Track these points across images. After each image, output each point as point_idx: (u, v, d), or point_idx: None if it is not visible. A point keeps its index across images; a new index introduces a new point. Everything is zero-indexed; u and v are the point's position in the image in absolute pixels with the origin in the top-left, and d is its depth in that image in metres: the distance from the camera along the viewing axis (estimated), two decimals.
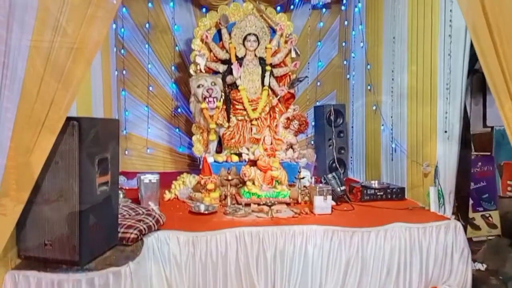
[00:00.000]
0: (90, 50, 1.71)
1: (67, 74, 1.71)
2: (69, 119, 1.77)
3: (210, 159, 3.78)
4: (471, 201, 3.41)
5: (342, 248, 2.58)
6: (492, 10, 1.85)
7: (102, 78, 3.69)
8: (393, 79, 3.77)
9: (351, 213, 3.03)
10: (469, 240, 2.93)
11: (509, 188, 3.84)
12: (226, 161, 3.86)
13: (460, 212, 3.00)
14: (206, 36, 4.06)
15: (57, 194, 1.82)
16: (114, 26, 4.40)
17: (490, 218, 3.59)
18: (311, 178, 3.70)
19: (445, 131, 2.98)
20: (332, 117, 4.35)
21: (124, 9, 4.58)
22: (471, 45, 2.21)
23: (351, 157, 4.68)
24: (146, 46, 4.74)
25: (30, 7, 1.62)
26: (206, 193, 3.24)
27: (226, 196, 3.27)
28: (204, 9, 4.66)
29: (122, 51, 4.67)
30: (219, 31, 4.17)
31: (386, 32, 3.89)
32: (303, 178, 3.41)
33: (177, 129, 4.90)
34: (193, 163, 4.85)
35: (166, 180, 3.59)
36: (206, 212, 2.96)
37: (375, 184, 3.56)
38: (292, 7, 4.90)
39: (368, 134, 4.34)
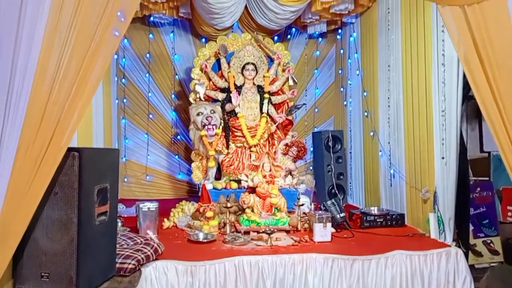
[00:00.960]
0: (92, 82, 1.76)
1: (69, 106, 1.74)
2: (69, 149, 1.79)
3: (209, 186, 3.77)
4: (471, 227, 3.38)
5: (343, 276, 2.54)
6: (482, 41, 1.91)
7: (103, 107, 3.75)
8: (389, 105, 3.83)
9: (351, 240, 3.01)
10: (471, 267, 2.89)
11: (509, 214, 3.82)
12: (225, 188, 3.85)
13: (461, 238, 2.98)
14: (206, 66, 4.15)
15: (56, 225, 1.81)
16: (115, 56, 4.51)
17: (491, 244, 3.54)
18: (311, 204, 3.68)
19: (442, 157, 3.00)
20: (330, 143, 4.38)
21: (125, 40, 4.70)
22: (464, 73, 2.27)
23: (350, 183, 4.68)
24: (147, 75, 4.84)
25: (35, 41, 1.67)
26: (205, 221, 3.22)
27: (225, 224, 3.24)
28: (203, 40, 4.80)
29: (123, 80, 4.76)
30: (218, 61, 4.27)
31: (381, 61, 3.98)
32: (302, 204, 3.40)
33: (177, 156, 4.93)
34: (192, 190, 4.85)
35: (165, 207, 3.57)
36: (205, 240, 2.94)
37: (374, 210, 3.54)
38: (289, 36, 5.05)
39: (366, 160, 4.36)
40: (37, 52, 1.65)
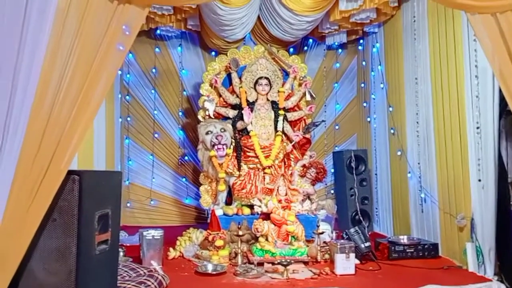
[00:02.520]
0: (95, 101, 1.82)
1: (70, 126, 1.79)
2: (69, 172, 1.84)
3: (219, 212, 3.78)
4: None
5: None
6: None
7: (105, 126, 3.84)
8: (418, 122, 3.81)
9: (377, 274, 2.96)
10: None
11: None
12: (237, 214, 3.84)
13: (504, 272, 2.89)
14: (216, 81, 4.21)
15: (53, 255, 1.84)
16: (119, 72, 4.63)
17: None
18: (332, 232, 3.64)
19: (479, 180, 2.96)
20: (353, 164, 4.36)
21: (130, 54, 4.83)
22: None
23: (376, 208, 4.62)
24: (152, 91, 4.94)
25: (37, 57, 1.75)
26: (214, 250, 3.22)
27: (236, 254, 3.23)
28: (213, 53, 4.89)
29: (127, 97, 4.87)
30: (229, 75, 4.34)
31: (407, 73, 3.99)
32: (322, 233, 3.37)
33: (184, 179, 4.96)
34: (201, 216, 4.85)
35: (171, 235, 3.58)
36: (214, 272, 2.93)
37: (404, 239, 3.48)
38: (305, 48, 5.11)
39: (394, 183, 4.31)
40: (38, 68, 1.73)
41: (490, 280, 2.74)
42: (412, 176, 3.91)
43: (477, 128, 2.98)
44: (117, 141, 4.47)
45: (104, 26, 1.86)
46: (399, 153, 4.13)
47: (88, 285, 1.91)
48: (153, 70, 4.94)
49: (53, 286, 1.84)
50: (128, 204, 4.80)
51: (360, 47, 5.08)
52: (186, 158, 4.99)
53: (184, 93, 5.00)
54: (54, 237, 1.84)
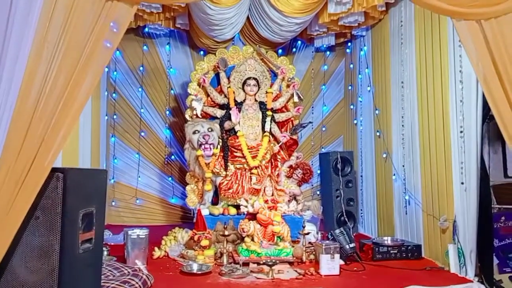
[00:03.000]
0: (81, 98, 1.80)
1: (55, 122, 1.77)
2: (53, 170, 1.81)
3: (205, 212, 3.77)
4: (496, 261, 3.34)
5: None
6: (501, 58, 1.96)
7: (91, 123, 3.79)
8: (403, 125, 3.85)
9: (361, 274, 2.98)
10: None
11: None
12: (223, 214, 3.84)
13: (484, 273, 2.94)
14: (204, 80, 4.20)
15: (36, 253, 1.81)
16: (106, 69, 4.59)
17: None
18: (317, 233, 3.66)
19: (462, 183, 3.01)
20: (339, 165, 4.38)
21: (117, 52, 4.79)
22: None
23: (361, 210, 4.66)
24: (140, 89, 4.90)
25: (22, 52, 1.72)
26: (199, 250, 3.20)
27: (222, 254, 3.22)
28: (201, 52, 4.88)
29: (114, 94, 4.83)
30: (217, 75, 4.33)
31: (393, 76, 4.03)
32: (308, 233, 3.38)
33: (170, 178, 4.93)
34: (186, 215, 4.83)
35: (156, 235, 3.56)
36: (199, 272, 2.92)
37: (388, 241, 3.52)
38: (294, 50, 5.14)
39: (379, 185, 4.35)
40: (23, 64, 1.70)
41: (471, 281, 2.79)
42: (396, 178, 3.95)
43: (461, 132, 3.03)
44: (102, 139, 4.41)
45: (91, 22, 1.83)
46: (384, 155, 4.17)
47: (71, 284, 1.88)
48: (141, 68, 4.90)
49: (34, 284, 1.81)
50: (113, 203, 4.76)
51: (348, 50, 5.12)
52: (172, 157, 4.96)
53: (172, 92, 4.98)
54: (36, 235, 1.81)
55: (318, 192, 5.02)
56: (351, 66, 5.04)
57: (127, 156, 4.87)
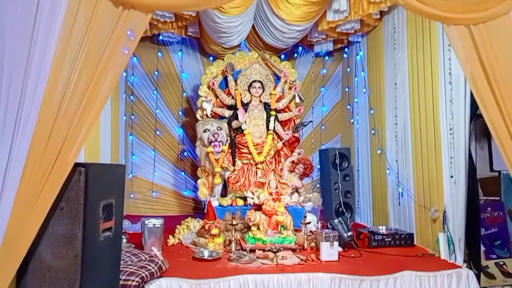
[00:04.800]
0: (101, 99, 1.78)
1: (77, 122, 1.76)
2: (76, 165, 1.80)
3: (215, 203, 3.77)
4: (483, 248, 3.31)
5: None
6: (488, 60, 1.92)
7: (111, 123, 3.80)
8: (396, 123, 3.82)
9: (358, 260, 2.96)
10: None
11: None
12: (231, 205, 3.84)
13: (472, 260, 2.91)
14: (213, 83, 4.19)
15: (60, 240, 1.81)
16: (124, 74, 4.59)
17: (504, 266, 3.45)
18: (317, 222, 3.65)
19: (451, 176, 2.97)
20: (337, 161, 4.36)
21: (134, 58, 4.80)
22: (472, 92, 2.27)
23: (358, 201, 4.63)
24: (155, 92, 4.90)
25: (46, 59, 1.71)
26: (210, 238, 3.20)
27: (230, 242, 3.22)
28: (211, 58, 4.87)
29: (132, 97, 4.83)
30: (225, 78, 4.32)
31: (387, 79, 4.00)
32: (309, 223, 3.37)
33: (183, 173, 4.94)
34: (198, 206, 4.83)
35: (170, 224, 3.56)
36: (210, 258, 2.91)
37: (382, 229, 3.49)
38: (295, 55, 5.10)
39: (374, 178, 4.33)
40: (47, 69, 1.69)
41: (460, 267, 2.76)
42: (390, 172, 3.93)
43: (450, 129, 2.99)
44: (121, 137, 4.43)
45: (109, 30, 1.82)
46: (379, 151, 4.15)
47: (93, 269, 1.88)
48: (156, 73, 4.90)
49: (60, 269, 1.81)
50: (132, 195, 4.78)
51: (345, 55, 5.08)
52: (185, 153, 4.97)
53: (184, 94, 4.98)
54: (61, 224, 1.81)
55: (318, 185, 5.00)
56: (348, 69, 5.01)
57: (144, 152, 4.87)
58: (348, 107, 5.01)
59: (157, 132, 4.91)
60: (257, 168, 4.02)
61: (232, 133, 4.10)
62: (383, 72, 4.09)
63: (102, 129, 3.42)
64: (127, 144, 4.74)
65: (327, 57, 5.20)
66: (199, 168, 4.24)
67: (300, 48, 5.04)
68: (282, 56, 4.83)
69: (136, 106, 4.85)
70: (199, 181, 4.22)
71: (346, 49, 5.01)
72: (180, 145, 4.96)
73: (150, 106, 4.90)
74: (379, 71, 4.17)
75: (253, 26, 4.35)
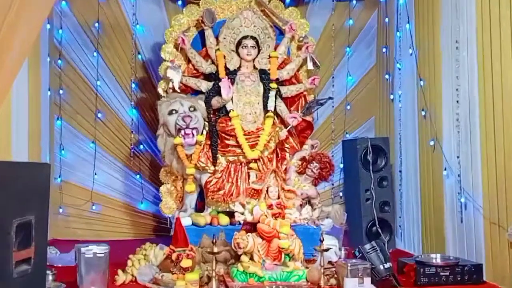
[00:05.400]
0: (10, 64, 1.76)
1: None
2: None
3: (187, 221, 3.77)
4: None
5: None
6: None
7: (28, 101, 3.77)
8: (458, 101, 3.83)
9: None
10: None
11: None
12: (211, 224, 3.86)
13: None
14: (183, 40, 4.17)
15: None
16: (48, 26, 4.53)
17: None
18: (340, 250, 3.66)
19: None
20: (369, 157, 4.38)
21: (63, 2, 4.74)
22: None
23: (400, 217, 4.66)
24: (95, 54, 4.87)
25: None
26: (179, 273, 3.20)
27: (210, 279, 3.22)
28: (179, 2, 4.84)
29: (60, 61, 4.80)
30: (201, 33, 4.30)
31: (445, 34, 4.00)
32: (327, 250, 3.38)
33: (138, 176, 4.94)
34: (161, 226, 4.83)
35: (120, 253, 3.55)
36: None
37: (437, 259, 3.52)
38: None
39: (424, 183, 4.34)
40: None
41: None
42: (448, 174, 3.94)
43: None
44: (44, 123, 4.40)
45: None
46: (432, 143, 4.16)
47: None
48: (96, 25, 4.87)
49: None
50: (61, 210, 4.78)
51: None
52: (141, 147, 4.97)
53: (139, 57, 4.96)
54: None
55: (340, 194, 5.03)
56: (386, 20, 5.00)
57: (79, 146, 4.86)
58: (386, 77, 5.01)
59: (99, 115, 4.89)
60: (249, 168, 4.03)
61: (212, 115, 4.10)
62: (438, 23, 4.08)
63: (14, 111, 3.39)
64: (53, 133, 4.73)
65: (355, 2, 5.19)
66: (162, 169, 4.25)
67: None
68: (288, 0, 4.80)
69: (66, 75, 4.82)
70: (162, 189, 4.22)
71: None
72: (133, 135, 4.96)
73: (88, 75, 4.88)
74: (433, 21, 4.17)
75: None
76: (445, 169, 3.97)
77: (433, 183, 4.18)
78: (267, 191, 3.52)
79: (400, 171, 4.70)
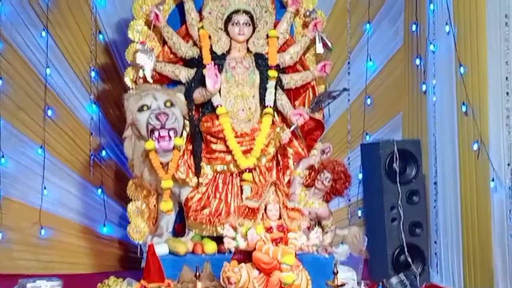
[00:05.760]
0: None
1: None
2: None
3: (162, 249, 3.78)
4: None
5: None
6: None
7: None
8: (508, 93, 3.85)
9: None
10: None
11: None
12: (193, 252, 3.87)
13: None
14: (156, 16, 4.14)
15: None
16: None
17: None
18: (359, 284, 3.65)
19: None
20: (396, 166, 4.39)
21: None
22: None
23: (436, 242, 4.67)
24: (43, 34, 4.86)
25: None
26: None
27: None
28: None
29: None
30: (180, 7, 4.30)
31: (491, 7, 4.01)
32: (343, 285, 3.37)
33: (100, 191, 4.94)
34: (129, 256, 4.84)
35: None
36: None
37: None
38: None
39: (466, 198, 4.34)
40: None
41: None
42: (497, 186, 3.95)
43: None
44: None
45: None
46: (475, 146, 4.16)
47: None
48: None
49: None
50: (0, 235, 4.74)
51: None
52: (103, 153, 4.97)
53: (100, 37, 4.98)
54: None
55: (359, 213, 5.04)
56: None
57: (23, 152, 4.85)
58: (417, 62, 5.02)
59: (49, 113, 4.88)
60: (242, 180, 4.02)
61: (194, 113, 4.10)
62: None
63: None
64: None
65: None
66: (130, 182, 4.23)
67: None
68: None
69: (6, 60, 4.81)
70: (130, 207, 4.21)
71: None
72: (93, 138, 4.95)
73: (34, 61, 4.87)
74: None
75: None
76: (493, 180, 3.98)
77: (478, 198, 4.18)
78: (265, 209, 3.53)
79: (435, 183, 4.71)
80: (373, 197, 4.62)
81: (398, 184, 4.39)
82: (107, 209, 4.92)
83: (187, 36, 4.26)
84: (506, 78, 3.86)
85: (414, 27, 5.07)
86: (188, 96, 4.08)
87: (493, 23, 3.99)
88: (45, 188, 4.85)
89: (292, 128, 4.15)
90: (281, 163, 4.20)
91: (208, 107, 4.11)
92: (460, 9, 4.39)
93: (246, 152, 4.01)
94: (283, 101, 4.21)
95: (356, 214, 5.07)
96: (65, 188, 4.92)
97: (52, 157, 4.89)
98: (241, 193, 4.02)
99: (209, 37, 4.17)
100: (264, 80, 4.15)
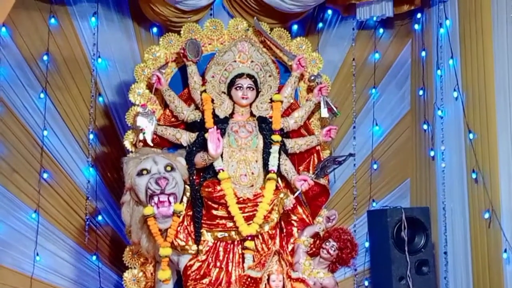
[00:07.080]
0: None
1: None
2: None
3: None
4: None
5: None
6: None
7: None
8: None
9: None
10: None
11: None
12: None
13: None
14: (158, 79, 4.20)
15: None
16: None
17: None
18: None
19: None
20: (404, 234, 4.37)
21: (3, 28, 4.79)
22: None
23: None
24: (41, 95, 4.88)
25: None
26: None
27: None
28: (154, 29, 4.93)
29: None
30: (182, 70, 4.37)
31: (500, 72, 4.05)
32: None
33: (95, 257, 4.89)
34: None
35: None
36: None
37: None
38: (321, 25, 5.18)
39: (477, 269, 4.31)
40: None
41: None
42: (510, 257, 3.95)
43: None
44: None
45: None
46: (487, 215, 4.15)
47: None
48: (45, 58, 4.90)
49: None
50: None
51: (416, 26, 5.19)
52: (99, 218, 4.94)
53: (100, 100, 5.00)
54: None
55: (366, 283, 4.99)
56: (424, 54, 5.08)
57: (16, 216, 4.79)
58: (425, 127, 5.06)
59: (44, 176, 4.87)
60: (244, 248, 3.98)
61: (195, 177, 4.10)
62: (491, 58, 4.16)
63: None
64: None
65: (382, 30, 5.30)
66: (127, 249, 4.22)
67: (330, 12, 5.13)
68: (295, 28, 4.90)
69: (3, 122, 4.81)
70: (127, 275, 4.19)
71: (418, 15, 5.13)
72: (89, 202, 4.93)
73: (31, 123, 4.87)
74: (484, 56, 4.24)
75: None
76: (505, 251, 3.97)
77: (490, 270, 4.16)
78: (268, 280, 3.50)
79: (445, 253, 4.69)
80: (380, 266, 4.59)
81: (406, 253, 4.36)
82: (102, 277, 4.84)
83: (189, 99, 4.31)
84: None
85: (421, 92, 5.13)
86: (189, 160, 4.09)
87: (501, 89, 4.04)
88: (37, 254, 4.77)
89: (296, 194, 4.15)
90: (284, 230, 4.17)
91: (209, 172, 4.11)
92: (468, 74, 4.45)
93: (248, 219, 3.99)
94: (287, 166, 4.22)
95: (363, 285, 5.01)
96: (58, 255, 4.85)
97: (46, 222, 4.83)
98: (243, 261, 3.95)
99: (212, 100, 4.21)
100: (267, 144, 4.17)
